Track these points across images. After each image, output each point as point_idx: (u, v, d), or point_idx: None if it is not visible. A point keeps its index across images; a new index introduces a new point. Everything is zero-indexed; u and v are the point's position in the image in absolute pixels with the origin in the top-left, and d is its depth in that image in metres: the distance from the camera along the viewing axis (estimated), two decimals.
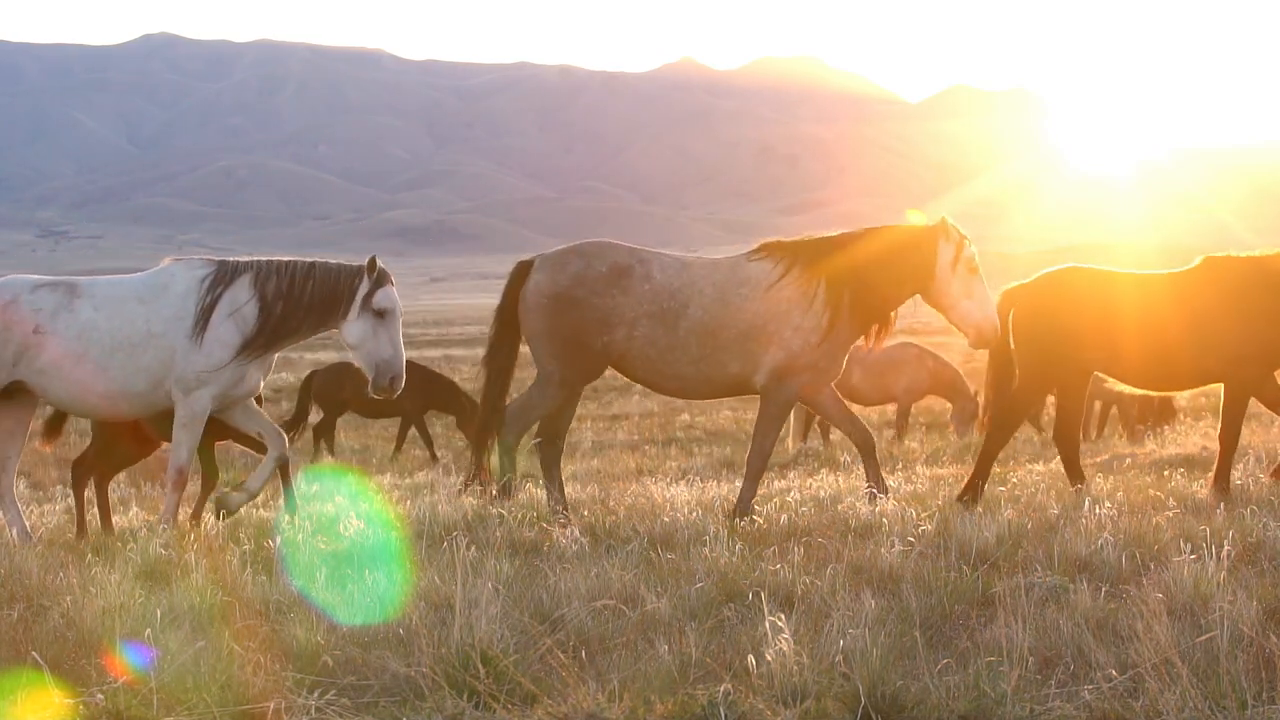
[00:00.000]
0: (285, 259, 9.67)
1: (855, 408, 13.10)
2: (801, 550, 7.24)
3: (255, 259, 9.67)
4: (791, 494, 9.93)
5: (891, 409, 24.21)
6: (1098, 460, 13.71)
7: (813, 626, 5.75)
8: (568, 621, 5.97)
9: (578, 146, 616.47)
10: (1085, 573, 6.78)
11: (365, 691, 5.26)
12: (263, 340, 9.42)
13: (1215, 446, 13.30)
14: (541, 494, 9.89)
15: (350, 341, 9.44)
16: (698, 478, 13.05)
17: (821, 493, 10.23)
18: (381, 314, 9.36)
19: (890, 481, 11.06)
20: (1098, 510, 8.00)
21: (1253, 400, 9.92)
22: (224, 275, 9.50)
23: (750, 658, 5.17)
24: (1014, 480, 10.89)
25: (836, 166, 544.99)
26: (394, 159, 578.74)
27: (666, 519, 8.43)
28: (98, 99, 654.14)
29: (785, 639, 5.13)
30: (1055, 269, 10.16)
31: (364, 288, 9.40)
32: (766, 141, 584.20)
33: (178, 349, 9.36)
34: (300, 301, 9.43)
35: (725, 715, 4.84)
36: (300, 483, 10.66)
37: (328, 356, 37.10)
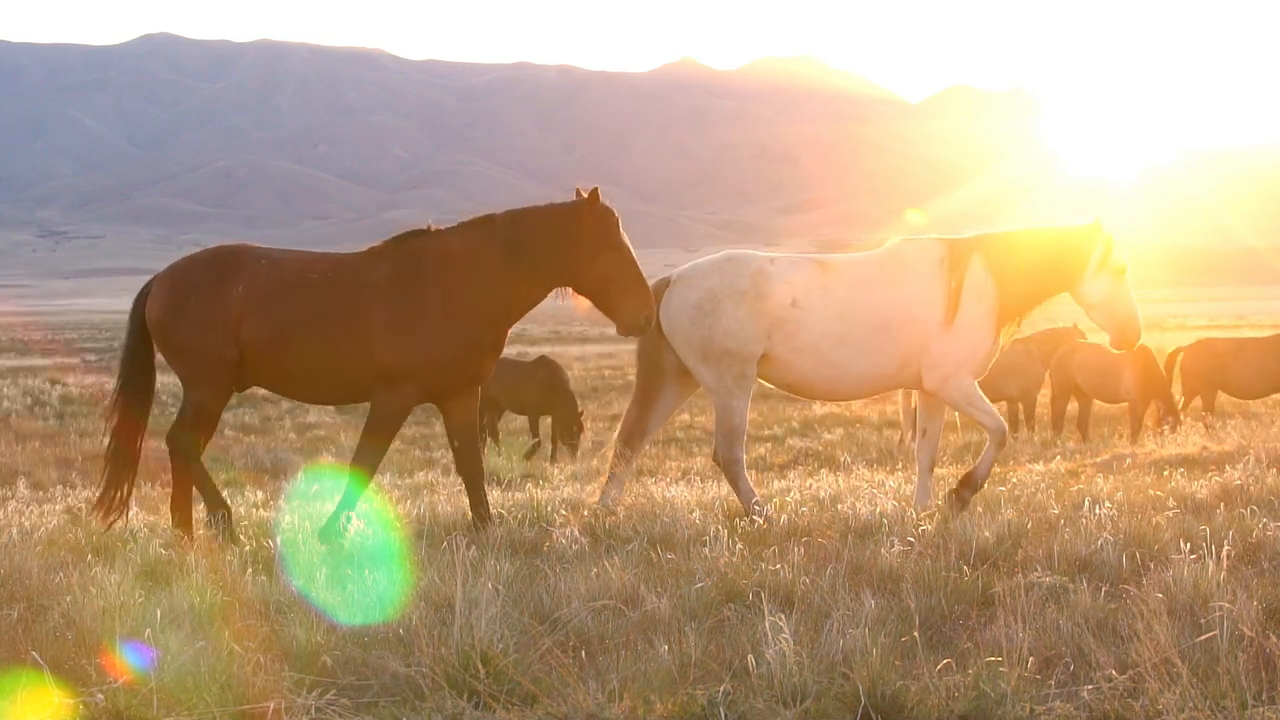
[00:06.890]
0: (1012, 230, 9.70)
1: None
2: (801, 550, 7.23)
3: (979, 234, 9.66)
4: (791, 494, 9.92)
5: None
6: (1098, 460, 13.69)
7: (813, 626, 5.75)
8: (568, 621, 5.96)
9: (578, 146, 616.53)
10: (1085, 573, 6.77)
11: (365, 691, 5.26)
12: (1008, 315, 9.48)
13: (1217, 448, 13.33)
14: (540, 494, 9.87)
15: (1092, 301, 9.52)
16: (698, 478, 13.04)
17: (821, 493, 10.21)
18: (1121, 272, 9.48)
19: (890, 481, 11.06)
20: (1098, 510, 7.99)
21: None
22: (959, 256, 9.47)
23: (750, 658, 5.17)
24: (1014, 480, 10.89)
25: (836, 166, 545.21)
26: (394, 159, 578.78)
27: (666, 519, 8.42)
28: (98, 99, 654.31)
29: (785, 639, 5.13)
30: None
31: (1099, 248, 9.47)
32: (766, 141, 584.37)
33: (931, 335, 9.34)
34: (1037, 270, 9.46)
35: (725, 715, 4.84)
36: (300, 483, 10.64)
37: None
